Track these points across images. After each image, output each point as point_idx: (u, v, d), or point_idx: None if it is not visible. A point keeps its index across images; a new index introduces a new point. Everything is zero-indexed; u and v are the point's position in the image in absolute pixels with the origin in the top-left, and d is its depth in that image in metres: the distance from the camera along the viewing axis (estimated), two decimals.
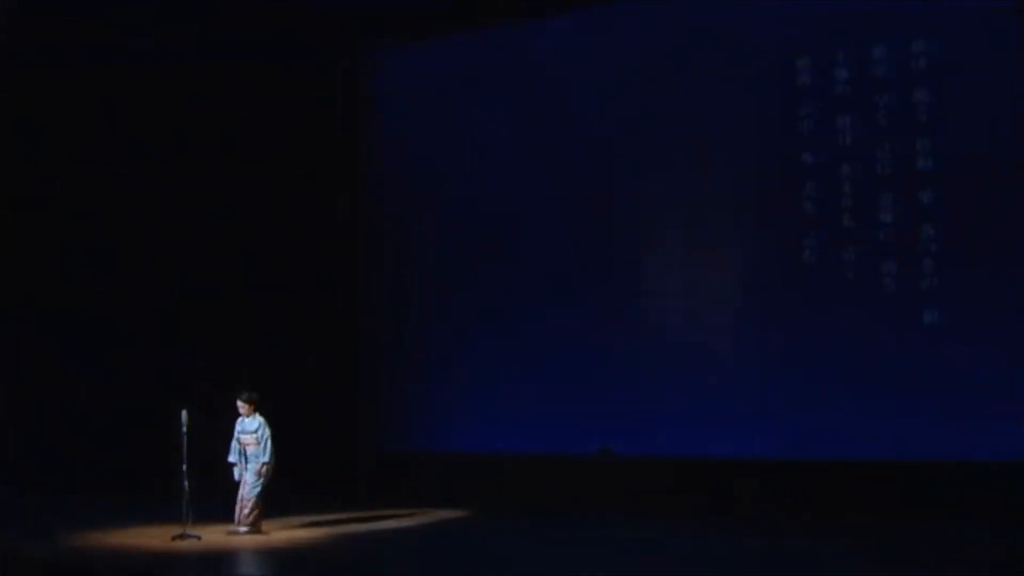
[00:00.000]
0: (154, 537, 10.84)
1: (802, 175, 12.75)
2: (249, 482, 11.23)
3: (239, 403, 11.38)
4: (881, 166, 12.37)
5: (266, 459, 11.21)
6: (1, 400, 16.40)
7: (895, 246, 12.25)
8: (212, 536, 10.93)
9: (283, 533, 11.35)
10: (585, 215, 13.98)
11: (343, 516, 12.40)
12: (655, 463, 13.01)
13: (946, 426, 11.70)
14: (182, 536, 10.64)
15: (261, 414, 11.40)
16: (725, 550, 10.21)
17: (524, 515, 12.58)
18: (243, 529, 11.17)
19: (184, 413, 10.99)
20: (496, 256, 14.47)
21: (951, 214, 11.99)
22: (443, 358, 14.79)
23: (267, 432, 11.27)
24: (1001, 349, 11.62)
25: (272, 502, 11.44)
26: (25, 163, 16.99)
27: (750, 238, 13.06)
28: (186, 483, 10.78)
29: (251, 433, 11.28)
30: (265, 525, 11.31)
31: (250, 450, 11.27)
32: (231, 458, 11.34)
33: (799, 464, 12.31)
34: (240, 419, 11.35)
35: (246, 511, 11.22)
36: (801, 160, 12.77)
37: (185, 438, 10.89)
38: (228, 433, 11.46)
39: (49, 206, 16.93)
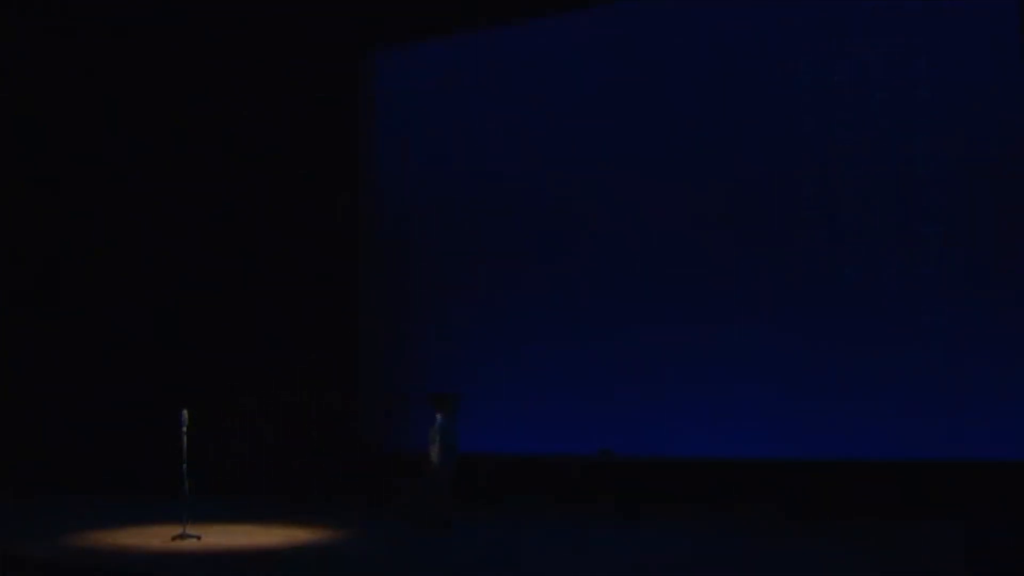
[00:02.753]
0: (154, 537, 10.84)
1: (802, 175, 12.75)
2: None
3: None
4: (881, 166, 12.38)
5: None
6: (1, 400, 16.41)
7: (895, 246, 12.26)
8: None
9: (282, 533, 11.34)
10: (585, 215, 13.98)
11: (343, 517, 12.38)
12: (655, 463, 13.01)
13: (946, 426, 11.71)
14: (182, 536, 10.64)
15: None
16: (725, 550, 10.19)
17: (524, 515, 12.57)
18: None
19: (184, 413, 10.97)
20: (496, 257, 14.47)
21: (951, 214, 12.00)
22: (443, 358, 14.79)
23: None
24: (1001, 349, 11.63)
25: (271, 502, 11.41)
26: (25, 163, 17.01)
27: (750, 238, 13.06)
28: (186, 483, 10.77)
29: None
30: (264, 525, 11.33)
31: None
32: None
33: (799, 464, 12.31)
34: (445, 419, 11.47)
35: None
36: (801, 160, 12.78)
37: (185, 438, 10.87)
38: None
39: (49, 206, 16.94)
